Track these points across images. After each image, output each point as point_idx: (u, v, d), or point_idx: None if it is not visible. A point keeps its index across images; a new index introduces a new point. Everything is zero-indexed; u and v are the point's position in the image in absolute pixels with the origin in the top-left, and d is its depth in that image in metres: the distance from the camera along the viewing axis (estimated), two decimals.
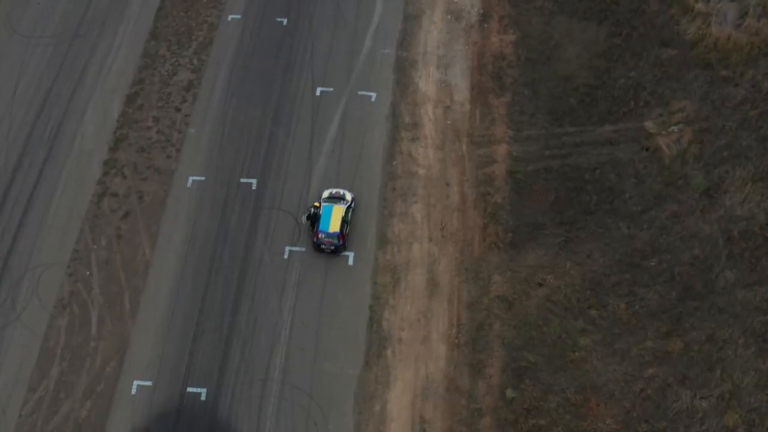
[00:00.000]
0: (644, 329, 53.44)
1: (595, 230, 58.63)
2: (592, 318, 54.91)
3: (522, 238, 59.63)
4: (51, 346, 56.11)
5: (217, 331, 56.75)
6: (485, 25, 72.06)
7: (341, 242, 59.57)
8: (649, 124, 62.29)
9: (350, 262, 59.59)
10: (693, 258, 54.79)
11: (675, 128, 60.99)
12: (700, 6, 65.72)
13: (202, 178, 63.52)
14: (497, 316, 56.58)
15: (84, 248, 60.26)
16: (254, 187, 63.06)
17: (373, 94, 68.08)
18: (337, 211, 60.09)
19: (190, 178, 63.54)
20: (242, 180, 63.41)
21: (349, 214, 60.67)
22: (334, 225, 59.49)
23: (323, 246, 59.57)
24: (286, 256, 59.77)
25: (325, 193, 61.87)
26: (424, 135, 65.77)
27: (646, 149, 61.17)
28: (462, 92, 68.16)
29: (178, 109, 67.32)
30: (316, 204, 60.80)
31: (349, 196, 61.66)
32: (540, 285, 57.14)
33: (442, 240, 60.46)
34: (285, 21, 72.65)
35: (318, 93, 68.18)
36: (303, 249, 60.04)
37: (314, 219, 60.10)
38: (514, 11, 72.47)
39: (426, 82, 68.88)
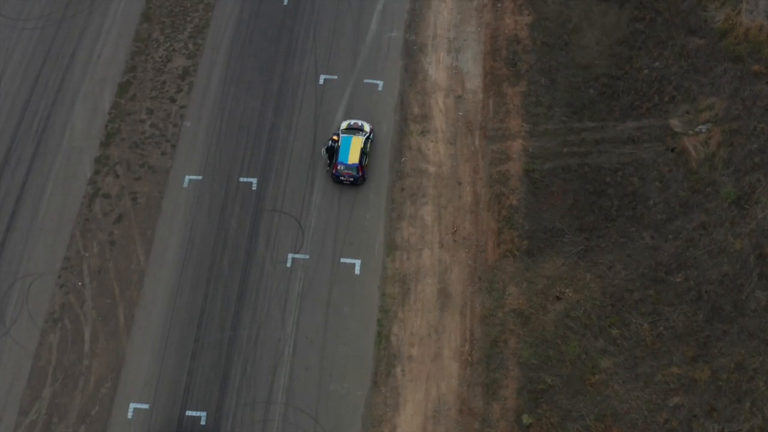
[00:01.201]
0: (669, 353, 50.35)
1: (617, 239, 55.22)
2: (613, 338, 51.83)
3: (539, 245, 56.28)
4: (43, 364, 53.24)
5: (217, 347, 53.85)
6: (498, 5, 67.74)
7: (360, 174, 58.47)
8: (674, 123, 58.36)
9: (357, 270, 56.40)
10: (721, 275, 51.39)
11: (702, 128, 57.08)
12: None
13: (199, 178, 59.98)
14: (513, 332, 53.57)
15: (75, 255, 57.04)
16: (254, 187, 59.59)
17: (380, 83, 64.17)
18: (356, 143, 58.95)
19: (187, 178, 60.00)
20: (242, 179, 59.91)
21: (368, 145, 59.68)
22: (353, 156, 58.50)
23: (342, 178, 58.80)
24: (289, 264, 56.57)
25: (343, 124, 60.65)
26: (435, 128, 62.07)
27: (672, 150, 57.38)
28: (474, 80, 64.22)
29: (173, 100, 63.47)
30: (335, 137, 59.20)
31: (367, 127, 60.42)
32: (558, 299, 53.98)
33: (453, 245, 57.19)
34: (285, 0, 68.27)
35: (321, 81, 64.26)
36: (306, 256, 56.79)
37: (333, 152, 58.71)
38: None
39: (436, 68, 64.89)
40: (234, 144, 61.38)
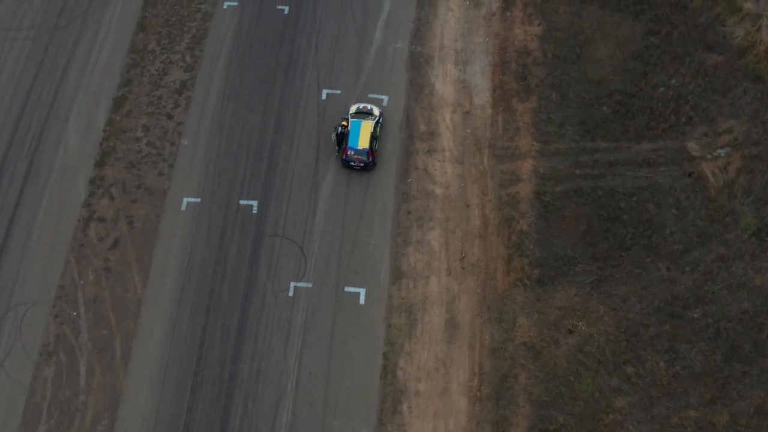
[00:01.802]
0: (686, 394, 48.51)
1: (632, 270, 53.17)
2: (627, 376, 49.97)
3: (550, 274, 54.25)
4: (37, 400, 51.47)
5: (217, 381, 52.01)
6: (507, 14, 65.20)
7: (370, 159, 58.00)
8: (692, 146, 56.07)
9: (361, 300, 54.43)
10: (741, 312, 49.46)
11: (721, 152, 54.86)
12: (749, 6, 58.48)
13: (198, 200, 57.84)
14: (523, 367, 51.70)
15: (70, 283, 55.07)
16: (255, 210, 57.48)
17: (385, 97, 61.80)
18: (366, 127, 58.34)
19: (185, 200, 57.87)
20: (242, 202, 57.78)
21: (378, 129, 59.21)
22: (363, 141, 57.97)
23: (352, 163, 58.32)
24: (291, 294, 54.62)
25: (353, 108, 60.00)
26: (442, 146, 59.84)
27: (689, 174, 55.13)
28: (483, 94, 61.87)
29: (170, 117, 61.17)
30: (344, 123, 58.41)
31: (376, 111, 59.91)
32: (570, 332, 52.06)
33: (461, 273, 55.17)
34: (286, 9, 65.78)
35: (324, 96, 61.93)
36: (309, 285, 54.81)
37: (342, 138, 58.01)
38: None
39: (443, 82, 62.50)
40: (233, 164, 59.23)
